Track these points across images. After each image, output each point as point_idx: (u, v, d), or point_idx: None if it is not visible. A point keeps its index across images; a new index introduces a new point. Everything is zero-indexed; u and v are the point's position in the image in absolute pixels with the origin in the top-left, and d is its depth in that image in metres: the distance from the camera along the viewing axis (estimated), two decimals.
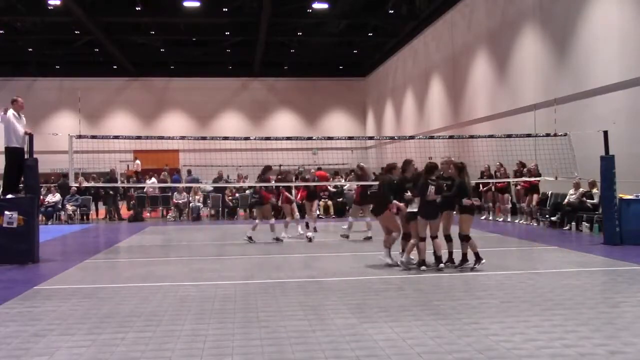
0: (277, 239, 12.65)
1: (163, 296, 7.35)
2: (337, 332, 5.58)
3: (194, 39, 33.16)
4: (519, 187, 16.52)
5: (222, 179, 20.45)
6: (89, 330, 5.76)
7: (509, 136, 14.12)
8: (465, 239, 8.77)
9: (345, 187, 19.86)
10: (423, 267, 8.72)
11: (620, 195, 11.86)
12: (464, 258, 8.85)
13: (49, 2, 25.03)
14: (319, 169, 22.03)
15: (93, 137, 13.03)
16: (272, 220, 12.78)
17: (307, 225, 14.04)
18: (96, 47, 32.51)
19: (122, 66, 36.79)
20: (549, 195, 15.94)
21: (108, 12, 27.21)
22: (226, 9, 27.02)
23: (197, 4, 25.67)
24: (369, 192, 12.87)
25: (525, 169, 15.54)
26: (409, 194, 9.07)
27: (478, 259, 8.73)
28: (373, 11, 27.47)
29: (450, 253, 9.07)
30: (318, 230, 14.22)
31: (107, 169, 21.67)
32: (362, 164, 14.32)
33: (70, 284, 8.29)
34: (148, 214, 20.28)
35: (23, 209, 10.18)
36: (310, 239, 12.71)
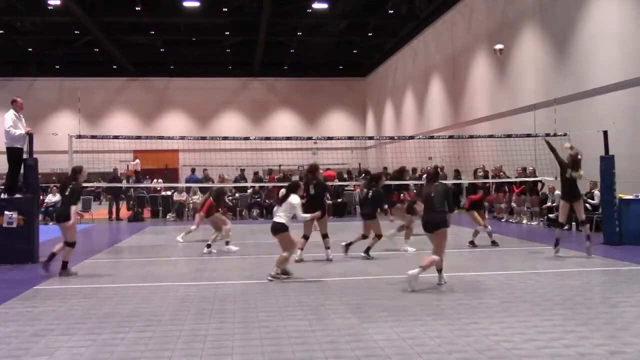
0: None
1: (163, 296, 7.36)
2: (337, 332, 5.58)
3: (193, 39, 33.15)
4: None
5: (209, 179, 20.40)
6: (89, 330, 5.76)
7: (509, 136, 14.13)
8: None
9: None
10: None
11: (620, 195, 11.87)
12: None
13: (49, 2, 25.02)
14: (328, 169, 22.01)
15: (93, 137, 13.04)
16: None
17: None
18: (96, 47, 32.52)
19: (122, 66, 36.80)
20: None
21: (108, 12, 27.21)
22: (226, 9, 27.03)
23: (197, 4, 25.67)
24: None
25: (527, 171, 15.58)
26: None
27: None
28: (373, 11, 27.48)
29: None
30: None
31: (107, 169, 21.67)
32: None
33: (70, 284, 8.29)
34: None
35: (23, 209, 10.19)
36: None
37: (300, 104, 40.58)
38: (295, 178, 14.50)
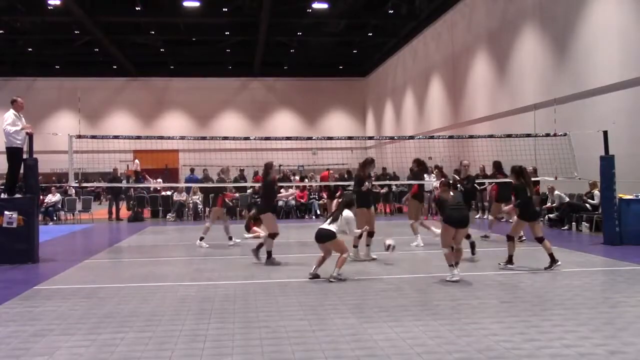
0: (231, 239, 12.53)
1: (163, 296, 7.36)
2: (337, 332, 5.58)
3: (194, 39, 33.15)
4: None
5: (209, 179, 20.39)
6: (89, 330, 5.76)
7: (509, 136, 14.12)
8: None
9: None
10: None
11: (620, 195, 11.86)
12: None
13: (49, 2, 25.03)
14: (328, 169, 22.02)
15: (93, 137, 13.03)
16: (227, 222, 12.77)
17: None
18: (96, 47, 32.52)
19: (122, 66, 36.80)
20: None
21: (108, 12, 27.20)
22: (226, 9, 27.04)
23: (197, 4, 25.67)
24: None
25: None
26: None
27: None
28: (373, 11, 27.48)
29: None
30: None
31: (107, 169, 21.66)
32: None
33: (70, 284, 8.29)
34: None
35: (23, 209, 10.19)
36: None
37: (300, 104, 40.59)
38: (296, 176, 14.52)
